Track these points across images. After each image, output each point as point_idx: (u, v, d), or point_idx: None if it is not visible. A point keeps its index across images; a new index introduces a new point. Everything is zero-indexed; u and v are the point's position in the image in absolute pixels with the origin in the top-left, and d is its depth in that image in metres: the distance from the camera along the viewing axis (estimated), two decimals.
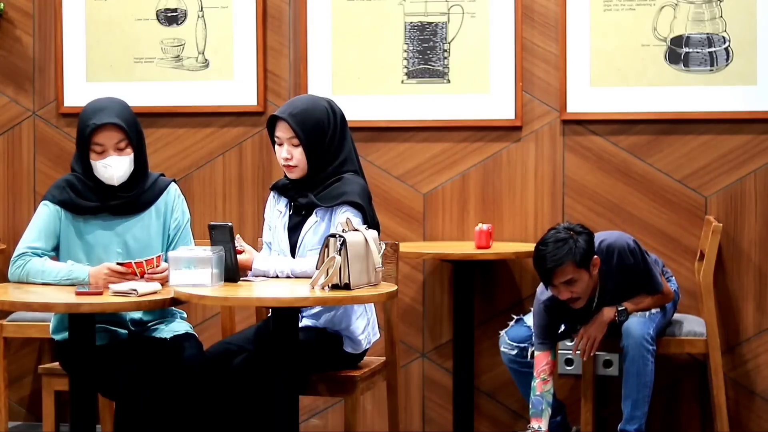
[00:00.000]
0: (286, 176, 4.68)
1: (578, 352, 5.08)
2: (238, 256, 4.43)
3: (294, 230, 4.63)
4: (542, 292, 5.05)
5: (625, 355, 5.03)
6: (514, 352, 5.17)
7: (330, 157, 4.60)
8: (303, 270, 4.46)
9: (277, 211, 4.71)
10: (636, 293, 5.08)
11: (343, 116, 4.65)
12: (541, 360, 5.02)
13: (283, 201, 4.71)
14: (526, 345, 5.11)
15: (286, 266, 4.50)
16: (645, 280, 5.08)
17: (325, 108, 4.61)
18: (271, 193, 4.77)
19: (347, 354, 4.65)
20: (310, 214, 4.61)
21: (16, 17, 6.20)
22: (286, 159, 4.59)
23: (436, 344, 5.94)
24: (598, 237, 5.02)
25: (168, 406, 4.42)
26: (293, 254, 4.60)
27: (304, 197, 4.61)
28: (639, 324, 5.02)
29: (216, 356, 4.56)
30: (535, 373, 5.02)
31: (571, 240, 4.86)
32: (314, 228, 4.57)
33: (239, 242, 4.47)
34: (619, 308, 5.03)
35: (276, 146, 4.64)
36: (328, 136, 4.59)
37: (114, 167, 4.49)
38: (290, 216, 4.66)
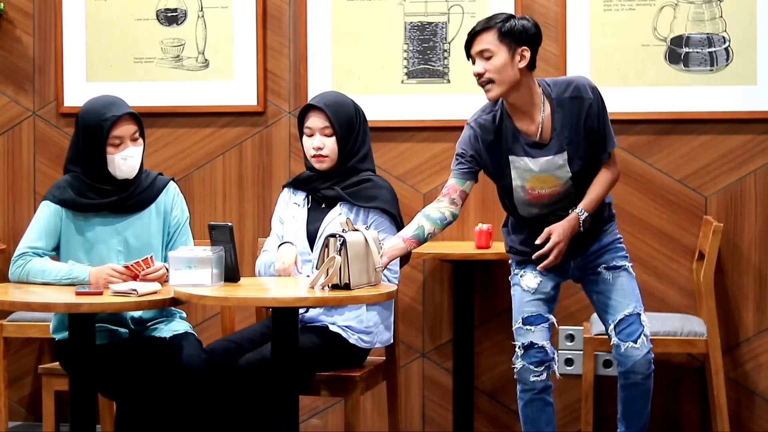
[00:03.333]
0: (309, 168, 4.72)
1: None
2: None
3: (313, 222, 4.67)
4: (480, 109, 4.70)
5: (629, 385, 4.69)
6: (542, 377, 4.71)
7: (355, 152, 4.69)
8: None
9: (293, 204, 4.75)
10: (586, 153, 4.58)
11: (365, 115, 4.79)
12: (448, 184, 4.66)
13: (300, 194, 4.75)
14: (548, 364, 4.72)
15: None
16: (600, 130, 4.57)
17: (353, 104, 4.76)
18: (285, 190, 4.82)
19: (354, 348, 4.65)
20: (331, 207, 4.65)
21: (16, 17, 6.20)
22: (318, 149, 4.66)
23: (436, 344, 5.95)
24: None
25: (168, 405, 4.42)
26: (311, 245, 4.63)
27: (330, 189, 4.65)
28: (640, 348, 4.63)
29: (220, 354, 4.55)
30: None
31: (512, 18, 4.52)
32: (337, 220, 4.59)
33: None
34: (582, 216, 4.56)
35: (305, 137, 4.71)
36: (356, 131, 4.70)
37: (135, 158, 4.55)
38: (308, 209, 4.70)
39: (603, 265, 4.71)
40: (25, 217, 6.09)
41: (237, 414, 4.46)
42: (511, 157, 4.62)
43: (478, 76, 4.55)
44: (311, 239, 4.66)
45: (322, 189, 4.69)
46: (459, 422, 5.72)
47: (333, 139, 4.66)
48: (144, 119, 4.66)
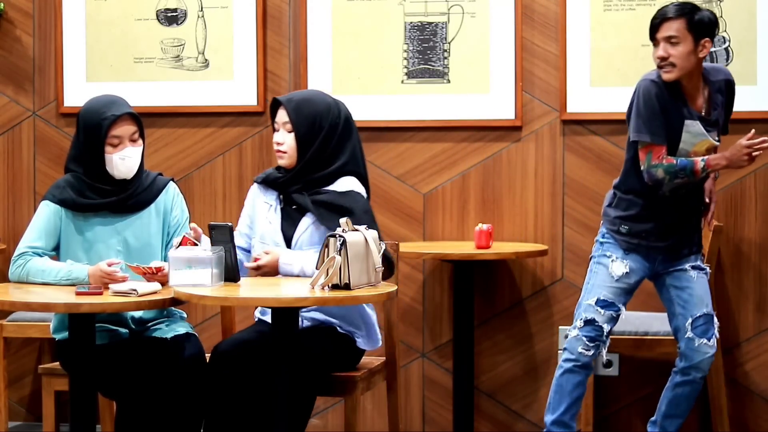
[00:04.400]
0: (276, 168, 4.69)
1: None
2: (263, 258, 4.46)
3: (287, 226, 4.60)
4: (649, 73, 4.90)
5: (686, 382, 4.91)
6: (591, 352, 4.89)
7: (326, 157, 4.60)
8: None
9: (265, 204, 4.69)
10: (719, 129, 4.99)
11: (349, 119, 4.65)
12: (659, 150, 4.81)
13: (271, 194, 4.69)
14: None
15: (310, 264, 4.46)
16: (727, 117, 4.99)
17: (329, 105, 4.63)
18: (255, 186, 4.75)
19: (359, 350, 4.64)
20: (302, 212, 4.59)
21: (16, 17, 6.20)
22: (278, 143, 4.62)
23: (436, 344, 5.94)
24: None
25: (168, 406, 4.42)
26: (289, 248, 4.59)
27: (300, 194, 4.59)
28: (712, 347, 4.89)
29: (228, 351, 4.52)
30: (655, 162, 4.80)
31: (699, 9, 4.82)
32: (311, 230, 4.56)
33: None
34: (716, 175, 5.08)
35: (275, 133, 4.66)
36: (324, 132, 4.58)
37: (133, 158, 4.54)
38: (282, 209, 4.65)
39: (689, 264, 4.94)
40: (25, 217, 6.09)
41: (243, 410, 4.44)
42: (687, 121, 4.84)
43: (661, 59, 4.80)
44: (288, 242, 4.60)
45: (291, 192, 4.65)
46: (459, 422, 5.72)
47: (292, 135, 4.60)
48: (144, 119, 4.66)
